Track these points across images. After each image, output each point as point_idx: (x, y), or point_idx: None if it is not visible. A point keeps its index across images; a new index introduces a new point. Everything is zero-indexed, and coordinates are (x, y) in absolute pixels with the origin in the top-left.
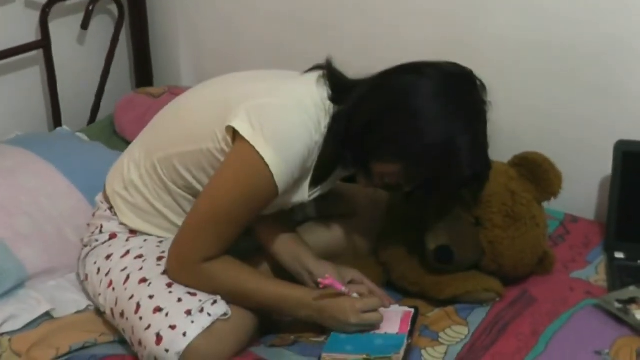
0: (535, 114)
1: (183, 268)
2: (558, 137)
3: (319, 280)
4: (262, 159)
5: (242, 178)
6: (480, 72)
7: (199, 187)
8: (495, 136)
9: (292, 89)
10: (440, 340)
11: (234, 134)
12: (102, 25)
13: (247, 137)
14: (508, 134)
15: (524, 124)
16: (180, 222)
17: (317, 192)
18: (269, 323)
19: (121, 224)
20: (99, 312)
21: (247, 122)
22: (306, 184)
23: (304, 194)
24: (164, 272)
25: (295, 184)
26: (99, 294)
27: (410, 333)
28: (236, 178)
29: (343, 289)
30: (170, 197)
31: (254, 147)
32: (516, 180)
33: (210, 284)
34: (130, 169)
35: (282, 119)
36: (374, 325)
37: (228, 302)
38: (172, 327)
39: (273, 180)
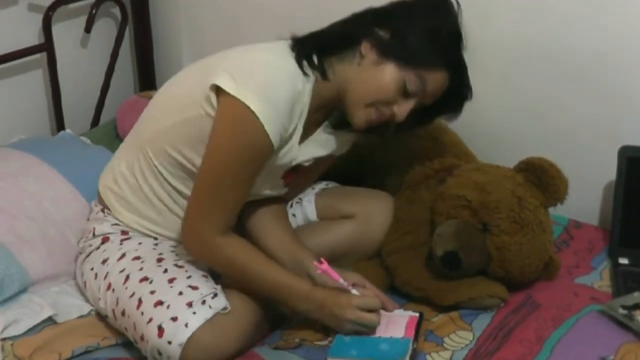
0: (538, 119)
1: (195, 240)
2: (562, 142)
3: (314, 263)
4: (249, 108)
5: (234, 133)
6: (482, 75)
7: (186, 163)
8: (500, 141)
9: (269, 46)
10: (445, 345)
11: (218, 92)
12: (105, 29)
13: (231, 92)
14: (512, 138)
15: (527, 129)
16: (170, 210)
17: (306, 153)
18: (275, 321)
19: (113, 224)
20: (101, 316)
21: (229, 77)
22: (295, 141)
23: (294, 153)
24: (165, 271)
25: (285, 141)
26: (99, 299)
27: (416, 338)
28: (229, 135)
29: (341, 280)
30: (156, 184)
31: (239, 100)
32: (523, 186)
33: (219, 261)
34: (120, 161)
35: (263, 69)
36: (370, 328)
37: (236, 281)
38: (174, 319)
39: (265, 131)
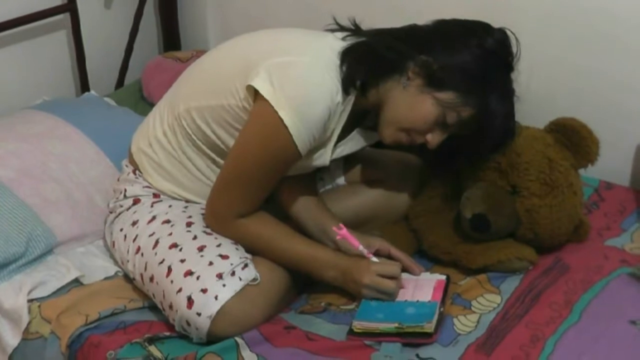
0: (570, 78)
1: (217, 223)
2: (593, 102)
3: (333, 228)
4: (282, 120)
5: (262, 139)
6: (515, 34)
7: (219, 143)
8: (531, 101)
9: (316, 47)
10: (472, 308)
11: (255, 93)
12: None
13: (267, 97)
14: (543, 98)
15: (558, 89)
16: (207, 177)
17: (336, 154)
18: (303, 284)
19: (144, 187)
20: (128, 278)
21: (268, 81)
22: (329, 147)
23: (326, 158)
24: (195, 238)
25: (319, 146)
26: (127, 261)
27: (443, 301)
28: (257, 139)
29: (360, 247)
30: (192, 151)
31: (273, 108)
32: (553, 147)
33: (242, 239)
34: (155, 125)
35: (303, 79)
36: (388, 294)
37: (261, 256)
38: (204, 291)
39: (293, 142)
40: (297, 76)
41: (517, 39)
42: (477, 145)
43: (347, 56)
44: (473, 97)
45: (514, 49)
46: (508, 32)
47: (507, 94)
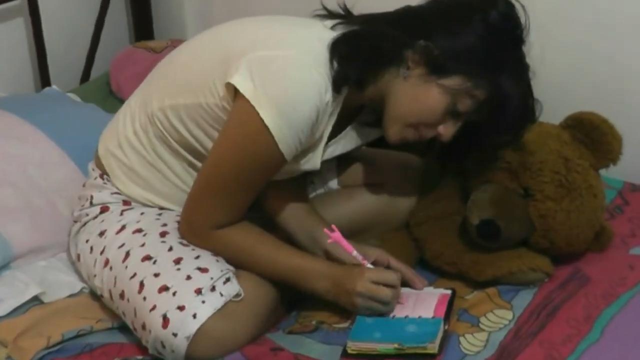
0: (589, 67)
1: (194, 234)
2: (615, 94)
3: (325, 230)
4: (263, 121)
5: (242, 142)
6: (530, 23)
7: (197, 145)
8: (544, 93)
9: (303, 39)
10: (481, 326)
11: (235, 91)
12: None
13: (247, 96)
14: (558, 90)
15: (576, 79)
16: (177, 185)
17: (328, 154)
18: (291, 303)
19: (113, 193)
20: (95, 296)
21: (249, 78)
22: (319, 149)
23: (316, 161)
24: (170, 249)
25: (308, 149)
26: (94, 275)
27: (447, 318)
28: (236, 142)
29: (354, 253)
30: (166, 153)
31: (254, 108)
32: (570, 145)
33: (223, 250)
34: (125, 124)
35: (287, 76)
36: (384, 303)
37: (244, 269)
38: (181, 308)
39: (276, 146)
40: (281, 72)
41: (524, 9)
42: (494, 132)
43: (337, 50)
44: (483, 79)
45: (523, 20)
46: (514, 2)
47: (520, 71)
